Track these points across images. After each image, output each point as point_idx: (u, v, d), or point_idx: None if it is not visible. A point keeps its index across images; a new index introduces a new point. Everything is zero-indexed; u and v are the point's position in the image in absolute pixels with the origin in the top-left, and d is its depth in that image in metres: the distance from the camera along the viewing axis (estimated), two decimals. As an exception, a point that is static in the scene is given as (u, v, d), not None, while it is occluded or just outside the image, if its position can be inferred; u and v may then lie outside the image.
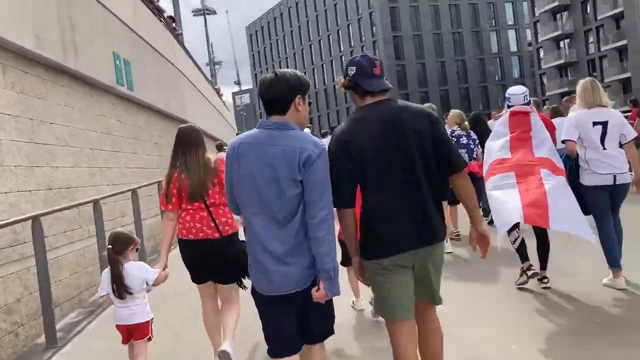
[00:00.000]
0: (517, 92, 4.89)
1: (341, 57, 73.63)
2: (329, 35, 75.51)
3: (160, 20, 13.44)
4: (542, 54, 59.90)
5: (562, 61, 56.36)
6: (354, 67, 2.73)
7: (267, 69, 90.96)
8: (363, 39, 69.28)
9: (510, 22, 70.16)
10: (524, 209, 4.34)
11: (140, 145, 10.57)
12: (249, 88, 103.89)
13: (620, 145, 4.88)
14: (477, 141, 7.24)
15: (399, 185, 2.63)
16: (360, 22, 69.51)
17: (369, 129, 2.65)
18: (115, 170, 9.15)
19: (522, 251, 5.04)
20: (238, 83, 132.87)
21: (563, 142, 4.88)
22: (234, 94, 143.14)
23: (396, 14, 66.01)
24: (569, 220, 4.39)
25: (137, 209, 8.26)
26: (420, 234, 2.64)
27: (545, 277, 5.01)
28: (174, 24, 16.35)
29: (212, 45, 52.90)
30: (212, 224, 3.67)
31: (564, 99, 12.33)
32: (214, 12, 37.89)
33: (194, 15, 37.83)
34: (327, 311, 2.66)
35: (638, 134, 5.48)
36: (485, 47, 68.92)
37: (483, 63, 69.12)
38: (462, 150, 7.03)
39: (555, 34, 56.44)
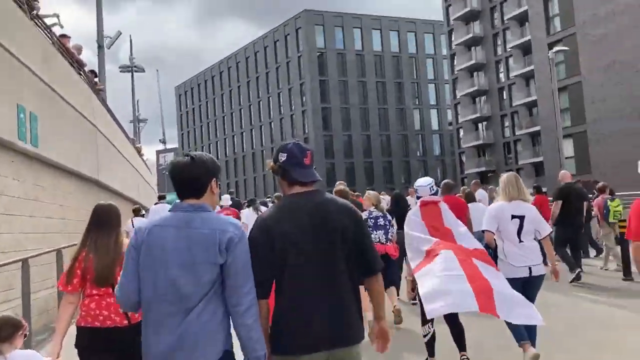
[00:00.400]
0: (423, 184, 5.04)
1: (270, 123, 74.03)
2: (259, 102, 76.00)
3: (79, 74, 12.51)
4: (461, 134, 62.69)
5: (480, 142, 59.10)
6: (285, 154, 2.69)
7: (194, 129, 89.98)
8: (293, 107, 70.15)
9: (433, 102, 73.49)
10: (476, 296, 4.11)
11: (41, 207, 9.41)
12: (174, 147, 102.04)
13: (536, 239, 5.18)
14: (392, 222, 7.38)
15: (319, 279, 2.54)
16: (290, 91, 70.58)
17: (294, 217, 2.58)
18: (7, 236, 7.97)
19: (432, 345, 5.18)
20: (163, 141, 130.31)
21: (483, 232, 5.15)
22: (159, 152, 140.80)
23: (326, 86, 67.60)
24: (515, 310, 4.23)
25: (26, 282, 7.09)
26: (336, 335, 2.54)
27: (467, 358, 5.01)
28: (95, 79, 15.38)
29: (138, 103, 51.66)
30: (121, 311, 3.31)
31: (489, 188, 12.81)
32: (142, 70, 36.98)
33: (121, 71, 36.77)
34: None
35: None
36: (409, 124, 71.48)
37: (406, 139, 71.46)
38: (380, 232, 7.09)
39: (474, 116, 59.42)
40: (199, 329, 2.35)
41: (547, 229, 5.22)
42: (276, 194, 13.44)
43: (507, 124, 57.47)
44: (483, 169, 58.33)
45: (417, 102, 72.60)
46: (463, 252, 4.46)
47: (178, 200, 2.55)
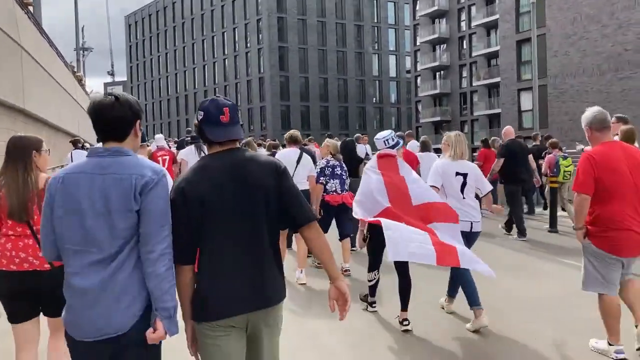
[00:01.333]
0: (379, 137, 5.20)
1: (224, 60, 70.87)
2: (213, 37, 72.39)
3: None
4: (419, 82, 61.62)
5: (437, 91, 58.25)
6: (202, 113, 2.52)
7: (144, 62, 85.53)
8: (248, 45, 67.13)
9: (392, 48, 71.81)
10: (437, 252, 4.35)
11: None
12: (123, 80, 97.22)
13: (477, 197, 5.38)
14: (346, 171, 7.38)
15: (238, 240, 2.45)
16: (247, 27, 67.33)
17: (210, 177, 2.46)
18: None
19: (374, 288, 5.58)
20: (112, 74, 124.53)
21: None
22: (106, 85, 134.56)
23: (284, 23, 64.74)
24: (472, 261, 4.55)
25: None
26: (256, 296, 2.46)
27: (406, 320, 5.12)
28: (24, -10, 13.16)
29: (83, 30, 47.94)
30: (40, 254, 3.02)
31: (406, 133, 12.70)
32: (87, -8, 33.65)
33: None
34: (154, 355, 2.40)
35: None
36: (367, 69, 69.82)
37: (363, 84, 69.94)
38: (336, 181, 7.10)
39: (433, 64, 58.27)
40: (122, 278, 2.25)
41: (488, 187, 5.41)
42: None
43: (465, 74, 56.66)
44: (438, 118, 57.74)
45: (376, 47, 70.77)
46: (417, 221, 4.64)
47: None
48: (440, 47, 58.67)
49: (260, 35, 65.18)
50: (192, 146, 9.67)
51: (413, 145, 12.05)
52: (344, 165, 7.30)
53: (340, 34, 67.90)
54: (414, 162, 8.64)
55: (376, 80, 70.86)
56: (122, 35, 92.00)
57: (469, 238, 5.15)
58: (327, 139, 7.70)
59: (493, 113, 51.55)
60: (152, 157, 9.87)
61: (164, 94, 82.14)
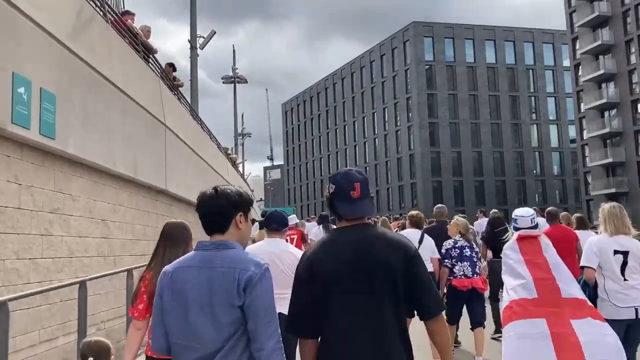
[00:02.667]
0: (524, 214, 4.49)
1: (374, 139, 70.92)
2: (364, 118, 73.19)
3: (145, 59, 9.99)
4: (587, 151, 55.84)
5: (609, 160, 52.15)
6: (333, 187, 2.49)
7: (299, 145, 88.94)
8: (398, 123, 66.59)
9: (552, 117, 66.81)
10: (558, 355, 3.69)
11: (66, 222, 6.78)
12: (280, 164, 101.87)
13: None
14: (479, 253, 6.90)
15: (360, 319, 2.33)
16: (396, 106, 67.10)
17: (337, 252, 2.39)
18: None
19: None
20: (271, 158, 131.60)
21: (582, 268, 4.67)
22: (266, 169, 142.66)
23: (434, 100, 63.43)
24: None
25: (82, 306, 5.63)
26: None
27: None
28: (174, 73, 12.97)
29: (242, 117, 50.60)
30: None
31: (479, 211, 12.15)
32: (245, 81, 35.25)
33: (223, 83, 35.28)
34: None
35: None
36: (525, 140, 65.32)
37: (522, 156, 65.30)
38: (465, 263, 6.53)
39: (602, 131, 52.60)
40: None
41: None
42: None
43: (642, 139, 50.23)
44: (613, 190, 51.20)
45: (534, 117, 66.29)
46: (561, 315, 3.87)
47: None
48: (609, 112, 53.04)
49: (410, 113, 64.39)
50: (320, 226, 9.53)
51: (480, 225, 11.25)
52: (474, 245, 6.76)
53: (494, 106, 64.78)
54: (572, 241, 6.92)
55: (536, 151, 65.85)
56: (280, 122, 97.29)
57: (634, 327, 4.49)
58: (457, 216, 7.04)
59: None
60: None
61: (317, 175, 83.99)
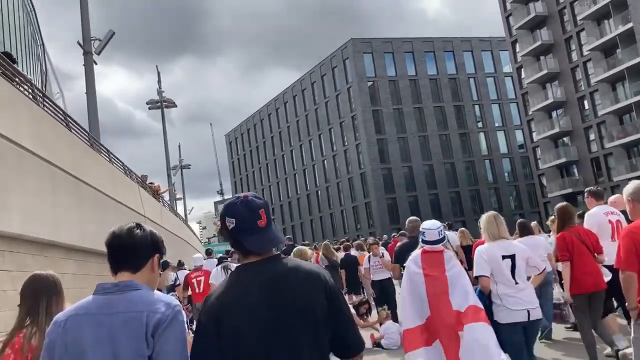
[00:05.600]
0: (431, 227, 4.63)
1: (323, 161, 67.41)
2: (310, 140, 69.65)
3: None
4: (539, 153, 53.91)
5: (562, 160, 50.22)
6: (233, 220, 2.05)
7: (246, 175, 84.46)
8: (346, 142, 63.37)
9: (499, 124, 65.06)
10: None
11: None
12: (229, 198, 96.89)
13: (528, 278, 4.83)
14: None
15: None
16: (342, 125, 63.94)
17: (248, 295, 1.97)
18: None
19: None
20: (221, 192, 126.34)
21: (476, 278, 4.72)
22: (216, 203, 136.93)
23: (379, 116, 60.61)
24: None
25: None
26: None
27: None
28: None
29: (180, 147, 45.93)
30: None
31: (550, 219, 9.45)
32: (173, 104, 30.99)
33: (149, 108, 30.91)
34: None
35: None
36: (474, 149, 63.20)
37: (473, 165, 63.06)
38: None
39: (552, 132, 50.77)
40: None
41: (541, 264, 4.94)
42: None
43: (592, 137, 48.53)
44: (569, 190, 49.15)
45: (481, 125, 64.39)
46: (450, 329, 4.23)
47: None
48: (557, 112, 51.34)
49: (357, 132, 61.31)
50: (220, 267, 8.22)
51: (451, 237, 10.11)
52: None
53: (440, 117, 62.51)
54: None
55: (486, 159, 63.75)
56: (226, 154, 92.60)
57: (528, 328, 4.62)
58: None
59: (638, 176, 42.65)
60: (187, 279, 9.94)
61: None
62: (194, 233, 33.59)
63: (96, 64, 15.73)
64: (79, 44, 14.91)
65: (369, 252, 10.84)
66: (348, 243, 14.72)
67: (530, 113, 53.84)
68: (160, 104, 30.54)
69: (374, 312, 10.29)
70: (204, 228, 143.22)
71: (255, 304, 1.94)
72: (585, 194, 6.66)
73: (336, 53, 64.32)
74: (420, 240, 4.70)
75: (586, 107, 48.66)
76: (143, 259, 2.02)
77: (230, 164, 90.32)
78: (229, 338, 1.92)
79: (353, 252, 12.36)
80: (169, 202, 22.85)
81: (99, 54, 15.56)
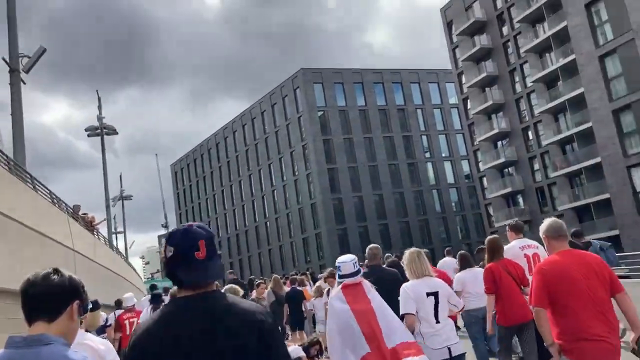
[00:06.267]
0: (346, 260, 4.61)
1: (273, 191, 66.17)
2: (259, 170, 68.39)
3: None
4: (485, 183, 54.56)
5: (508, 190, 50.91)
6: (172, 248, 1.99)
7: (192, 207, 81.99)
8: (296, 172, 62.48)
9: (445, 154, 65.86)
10: None
11: None
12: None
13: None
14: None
15: None
16: (292, 155, 63.13)
17: (178, 332, 1.88)
18: None
19: None
20: (165, 226, 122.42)
21: (401, 317, 4.59)
22: (160, 237, 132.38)
23: (330, 145, 60.20)
24: None
25: None
26: None
27: None
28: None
29: (121, 177, 43.92)
30: None
31: (477, 249, 10.37)
32: (114, 131, 29.30)
33: (89, 135, 29.08)
34: None
35: None
36: (422, 179, 63.54)
37: (421, 195, 63.30)
38: None
39: (498, 162, 51.53)
40: None
41: (460, 302, 5.07)
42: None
43: (537, 166, 49.49)
44: (516, 219, 49.45)
45: (428, 155, 64.98)
46: None
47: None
48: (502, 142, 52.28)
49: (307, 162, 60.61)
50: (150, 308, 7.86)
51: (450, 263, 10.77)
52: None
53: (390, 147, 62.72)
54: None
55: (434, 189, 64.18)
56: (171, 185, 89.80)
57: None
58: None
59: (580, 205, 43.56)
60: (119, 320, 9.47)
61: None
62: (134, 269, 31.53)
63: (24, 83, 14.26)
64: (4, 60, 13.43)
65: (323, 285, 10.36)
66: (295, 277, 14.73)
67: (476, 143, 54.65)
68: (100, 130, 28.81)
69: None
70: (147, 263, 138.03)
71: (185, 340, 1.86)
72: (507, 227, 6.83)
73: (286, 83, 63.89)
74: (337, 275, 4.67)
75: (530, 137, 49.74)
76: (60, 308, 1.90)
77: (176, 195, 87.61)
78: None
79: (299, 287, 12.40)
80: (105, 237, 21.11)
81: (27, 72, 14.10)
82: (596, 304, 3.70)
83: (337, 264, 4.66)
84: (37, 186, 11.67)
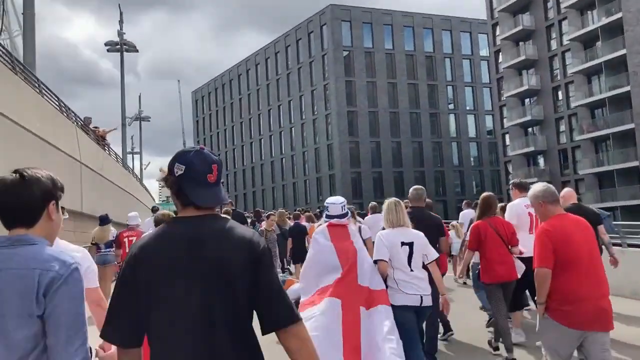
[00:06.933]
0: (335, 202, 4.85)
1: (291, 129, 65.36)
2: (279, 106, 67.32)
3: None
4: (507, 140, 53.21)
5: (530, 149, 49.63)
6: (183, 167, 1.96)
7: (210, 136, 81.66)
8: (316, 111, 61.37)
9: (470, 107, 64.11)
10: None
11: None
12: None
13: (424, 266, 4.93)
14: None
15: (190, 334, 1.83)
16: (313, 94, 61.82)
17: (168, 248, 1.89)
18: None
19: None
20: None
21: (375, 262, 4.77)
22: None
23: (352, 88, 58.73)
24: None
25: None
26: None
27: None
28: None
29: (140, 98, 43.38)
30: None
31: (473, 204, 10.39)
32: (135, 49, 28.43)
33: (108, 50, 28.26)
34: None
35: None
36: (443, 130, 62.18)
37: (440, 146, 62.12)
38: None
39: (523, 119, 50.02)
40: None
41: (434, 254, 4.99)
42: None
43: (562, 128, 47.98)
44: (535, 179, 48.58)
45: (452, 107, 63.30)
46: (354, 300, 4.36)
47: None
48: (530, 100, 50.54)
49: (328, 102, 59.35)
50: (153, 224, 5.89)
51: (466, 216, 10.64)
52: None
53: (413, 95, 61.09)
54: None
55: (454, 142, 62.88)
56: (191, 113, 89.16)
57: (420, 313, 4.83)
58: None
59: (603, 171, 42.37)
60: (119, 237, 9.58)
61: (230, 167, 77.22)
62: (147, 190, 31.37)
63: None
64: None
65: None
66: (298, 212, 15.11)
67: (503, 99, 52.94)
68: (120, 46, 27.94)
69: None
70: (163, 186, 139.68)
71: (173, 254, 1.87)
72: (510, 185, 6.77)
73: (313, 18, 61.77)
74: (324, 215, 4.89)
75: (560, 97, 47.99)
76: (35, 216, 1.86)
77: (195, 123, 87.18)
78: (143, 286, 1.85)
79: (303, 222, 12.68)
80: (118, 154, 20.69)
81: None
82: (594, 267, 3.85)
83: (326, 204, 4.86)
84: (43, 90, 11.04)
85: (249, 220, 17.18)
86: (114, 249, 9.94)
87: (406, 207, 8.61)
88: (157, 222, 7.50)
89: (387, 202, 5.07)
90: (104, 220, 9.89)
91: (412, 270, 4.78)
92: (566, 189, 7.28)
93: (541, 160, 50.18)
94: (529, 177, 49.30)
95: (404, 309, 4.64)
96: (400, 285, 4.73)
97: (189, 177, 1.92)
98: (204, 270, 1.84)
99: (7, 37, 20.76)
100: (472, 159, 63.90)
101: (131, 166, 31.29)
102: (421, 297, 4.74)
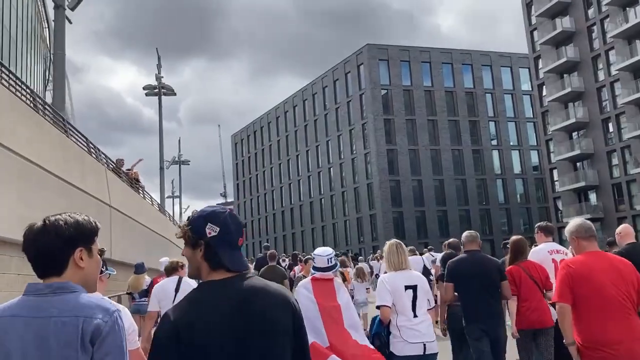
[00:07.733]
0: (321, 253, 4.53)
1: (329, 169, 64.64)
2: (317, 146, 66.90)
3: None
4: (556, 175, 50.93)
5: (580, 184, 47.22)
6: (217, 229, 1.91)
7: (250, 179, 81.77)
8: (354, 151, 60.57)
9: (514, 143, 62.13)
10: None
11: None
12: (232, 201, 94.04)
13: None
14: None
15: None
16: (352, 133, 61.18)
17: (213, 313, 1.84)
18: None
19: None
20: (224, 195, 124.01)
21: (377, 307, 4.68)
22: (218, 205, 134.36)
23: (391, 126, 57.83)
24: None
25: None
26: None
27: None
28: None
29: (180, 141, 43.46)
30: None
31: (502, 244, 10.34)
32: (173, 92, 28.34)
33: (146, 95, 28.30)
34: None
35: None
36: (487, 167, 60.24)
37: (484, 183, 60.07)
38: None
39: (572, 154, 47.82)
40: None
41: (432, 301, 4.89)
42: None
43: (615, 161, 45.57)
44: (588, 216, 46.04)
45: (495, 143, 61.48)
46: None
47: None
48: (578, 133, 48.45)
49: (366, 141, 58.52)
50: (170, 280, 6.06)
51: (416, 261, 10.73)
52: None
53: (454, 132, 59.66)
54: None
55: (499, 178, 60.76)
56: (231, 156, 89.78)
57: None
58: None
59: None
60: (153, 283, 9.18)
61: (269, 209, 76.77)
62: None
63: (70, 22, 13.07)
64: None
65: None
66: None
67: (549, 133, 50.96)
68: (159, 89, 27.89)
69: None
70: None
71: (222, 322, 1.83)
72: (536, 229, 6.46)
73: (350, 58, 61.72)
74: (312, 267, 4.69)
75: (610, 129, 45.78)
76: (60, 263, 1.80)
77: (234, 166, 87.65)
78: (190, 351, 1.80)
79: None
80: (153, 198, 20.07)
81: (72, 9, 12.88)
82: (622, 309, 3.64)
83: (312, 255, 4.63)
84: (68, 130, 10.40)
85: (284, 264, 16.10)
86: (148, 298, 9.20)
87: (447, 249, 7.84)
88: (167, 270, 6.54)
89: (388, 243, 4.89)
90: (139, 269, 9.56)
91: (415, 316, 4.60)
92: (622, 226, 6.67)
93: (593, 196, 47.62)
94: (580, 214, 46.73)
95: (404, 359, 4.48)
96: (402, 332, 4.54)
97: (224, 240, 1.89)
98: (260, 334, 1.83)
99: (51, 87, 20.75)
100: (518, 195, 61.53)
101: (171, 210, 30.75)
102: (424, 345, 4.53)
